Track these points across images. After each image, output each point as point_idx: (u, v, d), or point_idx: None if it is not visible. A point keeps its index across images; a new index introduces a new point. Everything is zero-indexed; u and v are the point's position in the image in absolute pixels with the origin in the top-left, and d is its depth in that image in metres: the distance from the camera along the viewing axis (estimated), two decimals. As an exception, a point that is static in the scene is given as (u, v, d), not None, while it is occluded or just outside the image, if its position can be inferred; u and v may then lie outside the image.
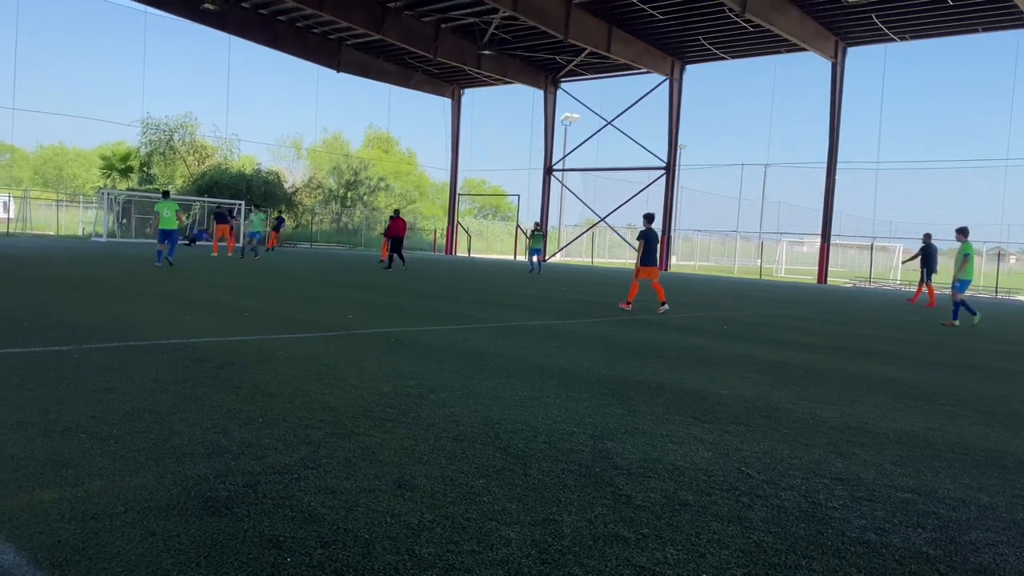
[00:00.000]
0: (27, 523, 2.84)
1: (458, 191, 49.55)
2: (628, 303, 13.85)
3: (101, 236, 34.67)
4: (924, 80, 53.00)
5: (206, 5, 32.21)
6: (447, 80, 45.13)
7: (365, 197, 54.41)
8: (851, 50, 32.35)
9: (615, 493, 3.55)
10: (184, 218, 29.80)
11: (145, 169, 42.89)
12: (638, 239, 13.89)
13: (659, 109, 38.41)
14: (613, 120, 39.90)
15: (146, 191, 40.11)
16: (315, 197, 50.54)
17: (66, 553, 2.62)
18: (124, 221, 39.39)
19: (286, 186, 46.98)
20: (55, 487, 3.21)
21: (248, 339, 7.49)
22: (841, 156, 32.99)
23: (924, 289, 21.54)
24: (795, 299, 20.68)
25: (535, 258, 27.26)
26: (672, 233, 39.16)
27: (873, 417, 5.56)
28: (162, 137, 42.88)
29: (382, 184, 55.89)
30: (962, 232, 14.44)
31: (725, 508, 3.45)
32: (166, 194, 20.12)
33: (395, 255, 24.72)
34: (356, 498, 3.28)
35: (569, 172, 43.80)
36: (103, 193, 37.25)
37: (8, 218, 39.52)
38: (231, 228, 29.68)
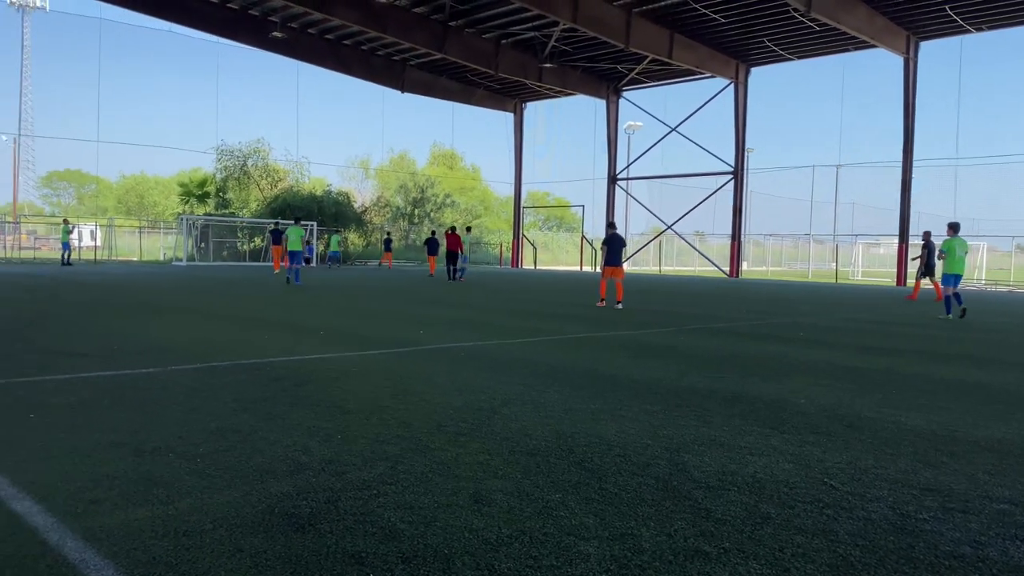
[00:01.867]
0: (123, 540, 2.96)
1: (522, 204, 49.72)
2: (601, 300, 16.27)
3: (181, 260, 35.99)
4: (1003, 72, 50.88)
5: (274, 33, 33.25)
6: (509, 95, 45.44)
7: (432, 214, 55.14)
8: (924, 44, 31.30)
9: (694, 507, 3.50)
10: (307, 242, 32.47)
11: (221, 194, 44.36)
12: (602, 245, 16.51)
13: (725, 113, 37.84)
14: (678, 126, 39.49)
15: (222, 215, 41.52)
16: (384, 215, 51.44)
17: (160, 570, 2.72)
18: (202, 245, 40.79)
19: (355, 206, 47.96)
20: (147, 505, 3.34)
21: (324, 357, 7.65)
22: (917, 153, 31.88)
23: (926, 285, 21.65)
24: (873, 302, 20.04)
25: None
26: (742, 238, 38.41)
27: (962, 424, 5.34)
28: (236, 163, 44.32)
29: (448, 200, 56.57)
30: (952, 228, 14.97)
31: (809, 521, 3.36)
32: (297, 220, 23.18)
33: (450, 268, 26.04)
34: (434, 513, 3.32)
35: (634, 180, 43.49)
36: (182, 219, 38.70)
37: (95, 246, 41.40)
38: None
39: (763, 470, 4.09)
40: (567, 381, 6.63)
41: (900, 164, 31.98)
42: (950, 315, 14.79)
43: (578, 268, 45.32)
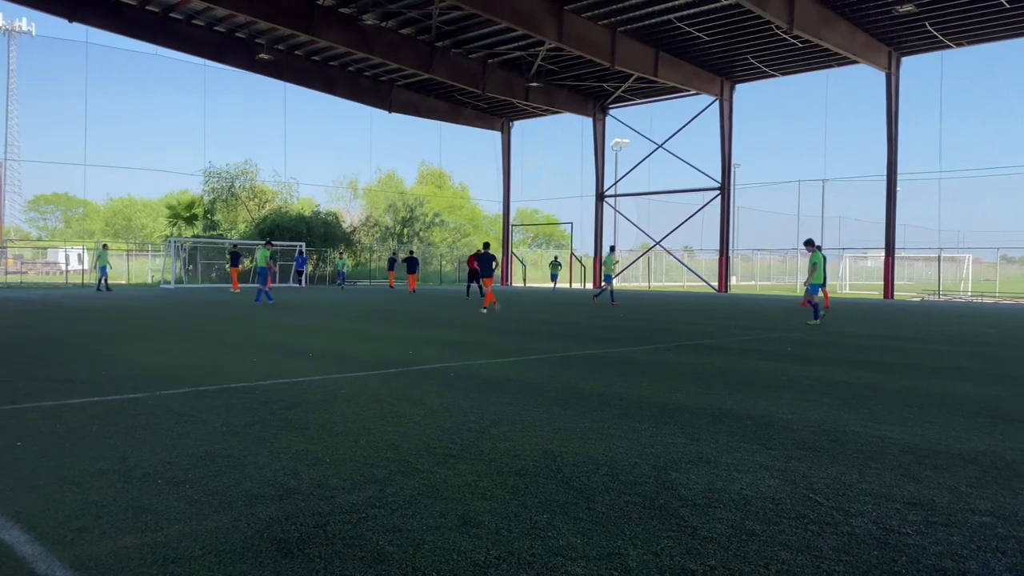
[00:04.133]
0: (112, 569, 2.97)
1: (511, 222, 49.90)
2: (493, 303, 19.65)
3: (169, 283, 35.87)
4: (984, 86, 51.58)
5: (261, 56, 33.41)
6: (496, 114, 45.72)
7: (421, 233, 55.22)
8: (905, 60, 31.73)
9: (680, 525, 3.53)
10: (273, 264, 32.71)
11: (209, 216, 44.32)
12: (477, 261, 21.48)
13: (710, 129, 38.22)
14: (664, 143, 39.81)
15: (210, 237, 41.45)
16: (372, 235, 51.49)
17: (149, 597, 2.73)
18: (191, 267, 40.68)
19: (344, 226, 48.00)
20: (136, 532, 3.35)
21: (313, 379, 7.67)
22: (901, 167, 32.23)
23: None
24: (861, 316, 20.17)
25: (605, 284, 27.72)
26: (730, 254, 38.63)
27: (946, 437, 5.40)
28: (224, 184, 44.35)
29: (437, 220, 56.67)
30: (808, 244, 17.08)
31: (794, 537, 3.40)
32: (267, 242, 24.33)
33: (473, 285, 27.80)
34: (423, 536, 3.34)
35: (622, 197, 43.74)
36: (170, 241, 38.60)
37: (83, 269, 41.22)
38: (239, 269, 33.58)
39: (749, 487, 4.13)
40: (556, 400, 6.66)
41: (885, 177, 32.32)
42: (818, 320, 16.82)
43: (567, 285, 45.44)
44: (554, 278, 41.96)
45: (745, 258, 51.28)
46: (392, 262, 39.32)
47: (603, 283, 26.87)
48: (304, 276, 38.25)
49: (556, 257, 44.53)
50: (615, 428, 5.52)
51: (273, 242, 31.25)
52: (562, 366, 9.08)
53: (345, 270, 38.65)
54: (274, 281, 36.27)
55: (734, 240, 39.01)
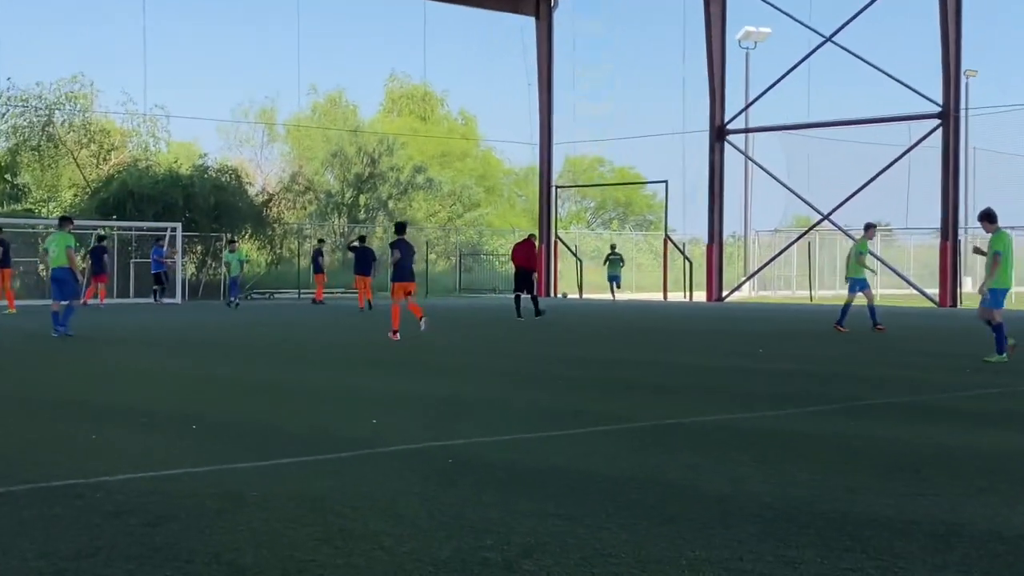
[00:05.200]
0: None
1: (554, 182, 49.90)
2: (395, 331, 21.36)
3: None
4: None
5: None
6: (526, -17, 45.92)
7: (391, 203, 55.24)
8: None
9: None
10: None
11: (8, 178, 44.70)
12: (391, 250, 22.41)
13: (920, 14, 38.02)
14: (835, 35, 39.66)
15: (12, 215, 41.81)
16: (303, 208, 51.69)
17: None
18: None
19: (252, 192, 48.31)
20: None
21: (199, 471, 7.71)
22: None
23: None
24: None
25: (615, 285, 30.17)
26: (960, 234, 38.32)
27: None
28: (35, 120, 44.73)
29: (420, 178, 56.60)
30: (986, 218, 17.86)
31: None
32: (64, 222, 22.27)
33: (521, 298, 30.10)
34: None
35: (759, 133, 43.66)
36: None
37: None
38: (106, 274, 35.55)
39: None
40: (639, 506, 6.65)
41: None
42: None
43: (660, 296, 45.30)
44: (613, 281, 43.40)
45: (984, 241, 50.94)
46: (318, 257, 39.45)
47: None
48: (163, 283, 38.04)
49: (614, 247, 45.60)
50: (750, 557, 5.51)
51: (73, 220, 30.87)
52: (646, 443, 9.06)
53: (238, 273, 38.74)
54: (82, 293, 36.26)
55: (970, 203, 38.74)
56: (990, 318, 17.06)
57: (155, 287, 37.92)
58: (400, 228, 23.58)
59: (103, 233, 27.47)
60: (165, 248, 38.40)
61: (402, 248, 22.37)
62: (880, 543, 5.85)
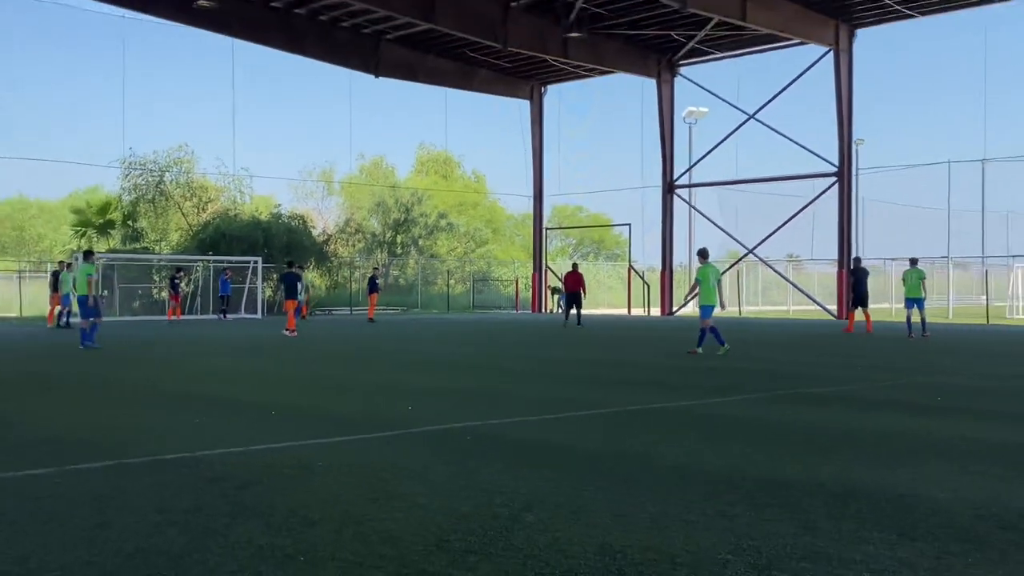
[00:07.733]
0: None
1: (544, 224, 50.02)
2: (292, 330, 24.89)
3: (76, 316, 36.26)
4: None
5: (199, 3, 33.79)
6: (522, 76, 45.96)
7: (420, 241, 55.43)
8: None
9: (792, 647, 3.53)
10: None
11: (130, 223, 44.75)
12: (279, 282, 26.96)
13: (821, 94, 38.16)
14: (757, 113, 39.78)
15: (132, 252, 41.86)
16: (354, 245, 51.82)
17: None
18: (105, 293, 41.10)
19: (315, 233, 48.38)
20: (46, 660, 3.41)
21: (277, 447, 7.73)
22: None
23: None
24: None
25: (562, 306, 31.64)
26: (852, 265, 38.34)
27: None
28: (150, 179, 44.77)
29: (442, 222, 56.88)
30: (700, 255, 19.18)
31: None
32: (87, 255, 21.38)
33: (568, 311, 31.11)
34: (435, 664, 3.37)
35: (699, 188, 43.74)
36: (76, 257, 39.11)
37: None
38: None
39: (888, 594, 4.11)
40: (615, 473, 6.68)
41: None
42: (701, 349, 18.15)
43: (625, 311, 45.33)
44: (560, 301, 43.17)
45: (875, 270, 50.82)
46: (373, 282, 39.37)
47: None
48: (226, 304, 37.90)
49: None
50: (698, 513, 5.52)
51: (94, 252, 28.56)
52: (623, 425, 9.07)
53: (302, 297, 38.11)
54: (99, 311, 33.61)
55: (859, 245, 38.80)
56: (704, 325, 18.24)
57: (222, 308, 38.18)
58: (289, 264, 27.87)
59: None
60: (228, 279, 38.52)
61: (285, 279, 27.03)
62: (794, 500, 5.86)
